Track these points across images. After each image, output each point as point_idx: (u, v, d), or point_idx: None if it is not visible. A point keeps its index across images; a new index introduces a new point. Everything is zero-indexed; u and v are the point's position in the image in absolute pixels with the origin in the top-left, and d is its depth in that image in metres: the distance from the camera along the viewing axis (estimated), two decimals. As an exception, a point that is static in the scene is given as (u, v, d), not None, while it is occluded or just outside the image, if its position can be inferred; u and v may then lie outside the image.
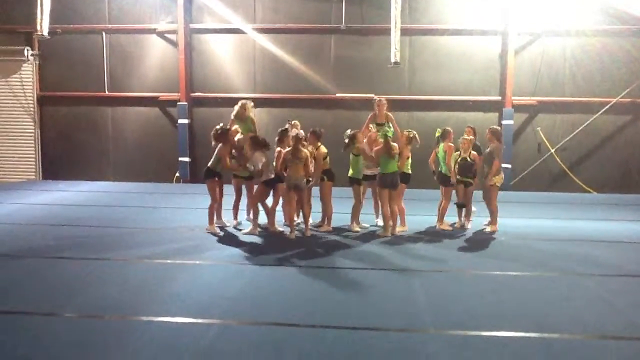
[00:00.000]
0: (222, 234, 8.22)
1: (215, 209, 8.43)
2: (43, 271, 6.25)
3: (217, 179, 8.36)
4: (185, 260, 6.68)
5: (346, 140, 8.42)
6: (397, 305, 5.19)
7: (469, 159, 8.64)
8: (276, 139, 8.19)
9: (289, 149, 7.87)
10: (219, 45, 14.47)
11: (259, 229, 8.23)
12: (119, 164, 14.97)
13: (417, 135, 8.43)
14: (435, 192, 9.05)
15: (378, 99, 8.98)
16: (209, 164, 8.28)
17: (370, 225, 8.79)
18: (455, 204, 8.90)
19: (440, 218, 8.74)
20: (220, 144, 8.19)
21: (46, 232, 8.29)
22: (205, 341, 4.27)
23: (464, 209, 8.87)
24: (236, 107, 8.68)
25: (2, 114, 15.14)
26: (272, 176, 8.09)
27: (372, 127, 8.70)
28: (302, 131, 8.10)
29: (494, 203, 8.57)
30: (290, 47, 14.24)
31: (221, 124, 8.29)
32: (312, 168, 7.97)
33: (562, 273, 6.40)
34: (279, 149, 8.05)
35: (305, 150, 7.87)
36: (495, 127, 9.30)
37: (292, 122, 8.64)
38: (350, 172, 8.49)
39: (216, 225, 8.44)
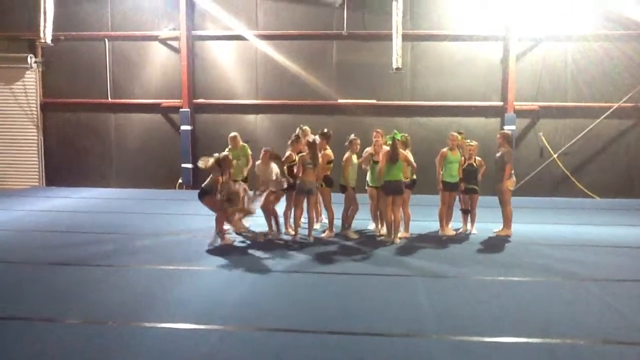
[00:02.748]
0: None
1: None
2: (45, 277, 6.26)
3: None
4: (187, 267, 6.68)
5: (346, 144, 8.45)
6: (400, 310, 5.18)
7: (474, 164, 8.61)
8: (289, 143, 8.52)
9: (304, 154, 7.94)
10: (221, 52, 14.52)
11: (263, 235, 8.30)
12: (122, 171, 15.00)
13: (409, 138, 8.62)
14: (437, 198, 8.99)
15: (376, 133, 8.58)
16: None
17: (363, 230, 8.78)
18: (460, 210, 8.95)
19: (442, 224, 8.69)
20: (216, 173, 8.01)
21: (49, 239, 8.30)
22: (206, 347, 4.26)
23: (469, 215, 8.88)
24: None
25: (5, 121, 15.18)
26: (285, 186, 8.24)
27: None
28: (317, 137, 8.17)
29: (509, 207, 8.57)
30: (292, 53, 14.27)
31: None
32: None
33: (565, 278, 6.37)
34: (289, 152, 8.31)
35: (320, 156, 8.01)
36: (506, 131, 9.29)
37: (304, 128, 8.66)
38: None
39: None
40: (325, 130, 8.62)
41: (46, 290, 5.75)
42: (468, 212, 8.82)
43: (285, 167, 8.33)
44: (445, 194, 8.57)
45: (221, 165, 7.90)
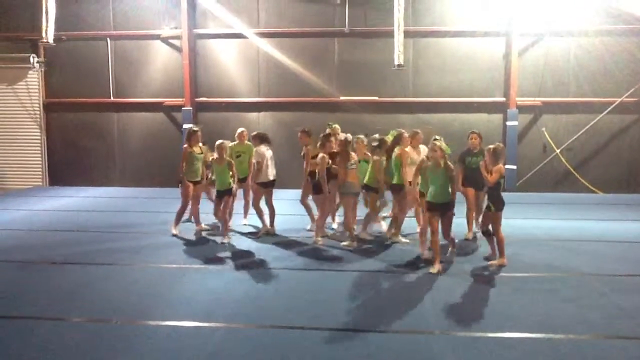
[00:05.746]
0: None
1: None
2: (50, 276, 6.29)
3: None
4: (190, 265, 6.71)
5: (374, 144, 7.98)
6: (402, 307, 5.19)
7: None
8: (318, 144, 7.84)
9: (338, 156, 7.59)
10: (222, 50, 14.52)
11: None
12: (125, 170, 15.03)
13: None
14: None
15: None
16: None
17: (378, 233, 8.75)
18: (482, 232, 7.05)
19: (421, 246, 7.25)
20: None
21: (53, 238, 8.34)
22: (210, 345, 4.29)
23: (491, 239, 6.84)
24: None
25: (8, 121, 15.23)
26: (272, 178, 8.24)
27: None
28: (350, 135, 7.87)
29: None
30: (293, 51, 14.27)
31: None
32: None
33: (568, 273, 6.38)
34: (321, 155, 7.66)
35: (354, 154, 7.72)
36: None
37: (333, 126, 8.42)
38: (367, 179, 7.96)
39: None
40: (305, 128, 8.45)
41: (51, 289, 5.78)
42: (489, 234, 6.80)
43: (316, 170, 7.74)
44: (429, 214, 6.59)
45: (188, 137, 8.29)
